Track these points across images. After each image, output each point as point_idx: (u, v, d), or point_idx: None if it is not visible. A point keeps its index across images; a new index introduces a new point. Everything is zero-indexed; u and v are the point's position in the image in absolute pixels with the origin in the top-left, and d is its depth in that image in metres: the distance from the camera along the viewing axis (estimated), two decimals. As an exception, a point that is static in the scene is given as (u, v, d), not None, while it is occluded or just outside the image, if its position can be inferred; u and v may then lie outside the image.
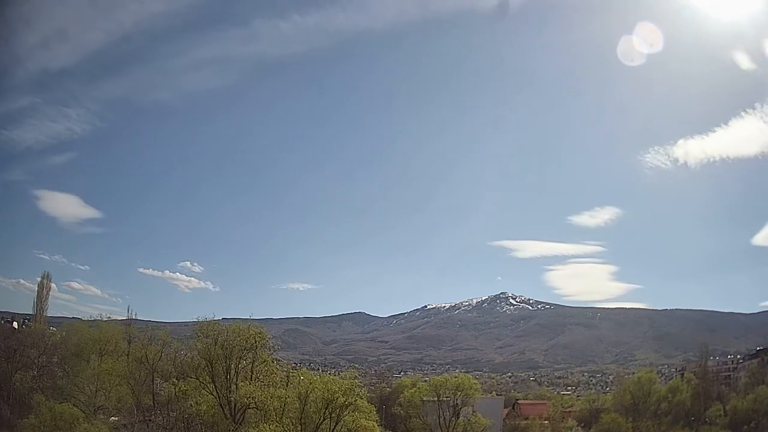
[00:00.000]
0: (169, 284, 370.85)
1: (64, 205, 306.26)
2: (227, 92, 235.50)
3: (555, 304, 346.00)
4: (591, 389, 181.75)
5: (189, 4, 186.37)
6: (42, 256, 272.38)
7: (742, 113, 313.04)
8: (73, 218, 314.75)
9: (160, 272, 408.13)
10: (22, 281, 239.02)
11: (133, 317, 70.60)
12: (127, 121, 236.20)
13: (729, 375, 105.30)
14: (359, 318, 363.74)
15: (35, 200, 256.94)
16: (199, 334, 42.76)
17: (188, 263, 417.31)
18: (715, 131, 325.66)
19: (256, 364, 42.63)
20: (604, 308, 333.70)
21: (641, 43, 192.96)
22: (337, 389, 40.04)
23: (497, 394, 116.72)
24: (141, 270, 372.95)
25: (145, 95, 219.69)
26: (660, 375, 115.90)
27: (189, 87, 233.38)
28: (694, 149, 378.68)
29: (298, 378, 47.94)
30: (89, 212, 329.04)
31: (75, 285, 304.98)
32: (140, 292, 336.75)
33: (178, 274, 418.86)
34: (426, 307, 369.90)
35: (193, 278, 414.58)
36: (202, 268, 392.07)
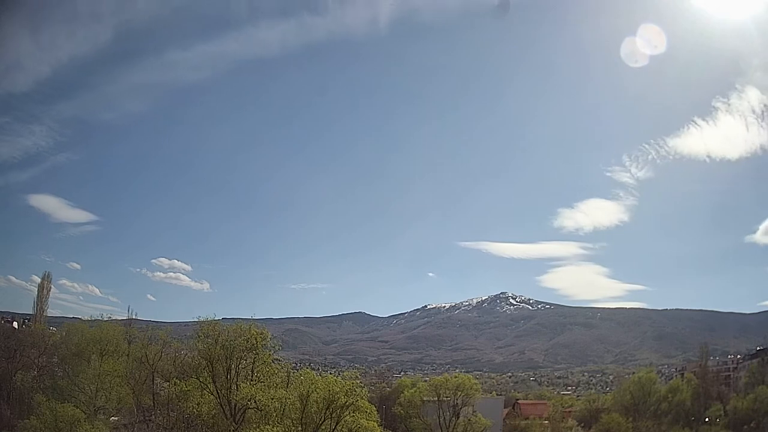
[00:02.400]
0: (162, 283, 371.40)
1: (49, 207, 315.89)
2: (157, 114, 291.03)
3: (555, 304, 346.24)
4: (591, 389, 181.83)
5: (111, 41, 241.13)
6: (31, 255, 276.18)
7: (739, 112, 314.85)
8: (60, 219, 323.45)
9: (153, 272, 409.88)
10: (12, 278, 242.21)
11: (133, 317, 70.58)
12: (84, 136, 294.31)
13: (729, 375, 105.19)
14: (359, 318, 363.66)
15: (21, 202, 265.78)
16: (199, 334, 42.67)
17: (184, 263, 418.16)
18: (711, 128, 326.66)
19: (257, 364, 42.56)
20: (604, 308, 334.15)
21: (644, 44, 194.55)
22: (338, 389, 40.05)
23: (497, 394, 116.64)
24: (134, 269, 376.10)
25: (94, 115, 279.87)
26: (660, 375, 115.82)
27: (126, 109, 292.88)
28: (689, 147, 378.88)
29: (299, 378, 47.87)
30: (76, 213, 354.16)
31: (64, 283, 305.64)
32: (135, 291, 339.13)
33: (166, 273, 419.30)
34: (426, 307, 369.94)
35: (189, 277, 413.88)
36: (199, 267, 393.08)
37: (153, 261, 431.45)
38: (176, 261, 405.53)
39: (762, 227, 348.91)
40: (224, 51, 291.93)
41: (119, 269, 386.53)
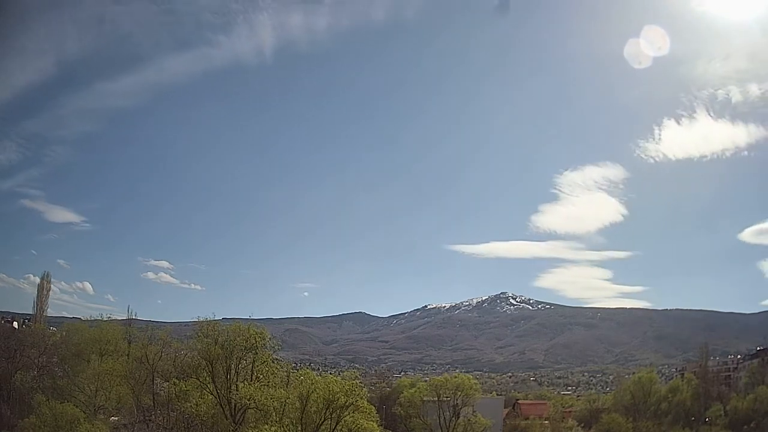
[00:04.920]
0: (160, 284, 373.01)
1: (35, 209, 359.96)
2: (103, 133, 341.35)
3: (555, 304, 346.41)
4: (591, 389, 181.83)
5: (55, 72, 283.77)
6: (17, 256, 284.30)
7: (731, 112, 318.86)
8: (48, 220, 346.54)
9: (150, 273, 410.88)
10: (4, 276, 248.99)
11: (133, 317, 70.47)
12: (47, 149, 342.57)
13: (729, 375, 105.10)
14: (359, 318, 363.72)
15: (6, 207, 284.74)
16: (199, 334, 42.63)
17: (183, 264, 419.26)
18: (708, 128, 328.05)
19: (257, 364, 42.54)
20: (604, 308, 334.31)
21: (648, 45, 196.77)
22: (338, 390, 40.00)
23: (497, 394, 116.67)
24: (131, 270, 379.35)
25: (52, 132, 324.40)
26: (660, 375, 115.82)
27: (76, 128, 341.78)
28: (687, 145, 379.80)
29: (299, 378, 47.84)
30: (64, 215, 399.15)
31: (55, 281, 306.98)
32: (134, 292, 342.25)
33: (154, 273, 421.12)
34: (426, 307, 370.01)
35: (188, 278, 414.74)
36: (199, 268, 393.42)
37: (153, 263, 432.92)
38: (174, 262, 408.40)
39: (761, 227, 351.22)
40: (143, 80, 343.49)
41: (115, 269, 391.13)
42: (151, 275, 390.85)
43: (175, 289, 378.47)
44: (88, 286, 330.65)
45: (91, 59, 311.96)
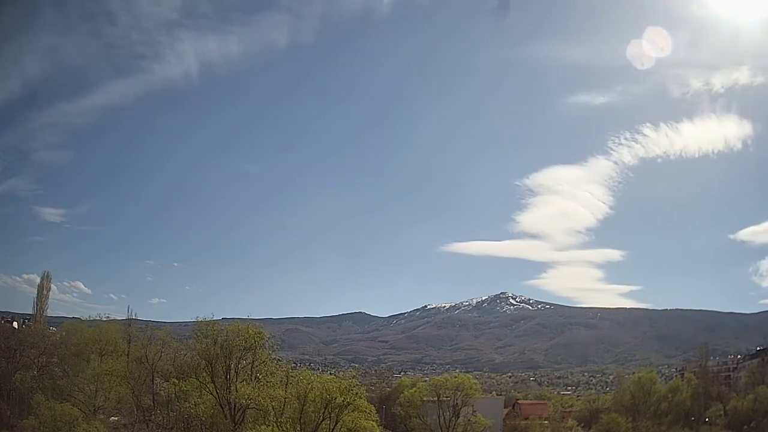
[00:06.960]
0: (162, 284, 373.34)
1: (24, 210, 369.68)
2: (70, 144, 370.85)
3: (555, 304, 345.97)
4: (591, 389, 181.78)
5: (20, 92, 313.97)
6: (9, 257, 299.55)
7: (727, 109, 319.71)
8: (42, 220, 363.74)
9: (152, 272, 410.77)
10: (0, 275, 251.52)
11: (133, 317, 70.64)
12: (25, 160, 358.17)
13: (729, 375, 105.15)
14: (359, 318, 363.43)
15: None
16: (198, 334, 42.67)
17: (182, 263, 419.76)
18: (705, 125, 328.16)
19: (256, 364, 42.57)
20: (604, 308, 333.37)
21: (650, 47, 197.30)
22: (335, 389, 40.02)
23: (497, 394, 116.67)
24: (131, 269, 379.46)
25: (25, 144, 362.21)
26: (660, 375, 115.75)
27: (46, 141, 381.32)
28: (685, 142, 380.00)
29: (297, 378, 47.83)
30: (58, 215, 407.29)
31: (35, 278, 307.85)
32: (124, 289, 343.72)
33: (165, 273, 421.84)
34: (426, 307, 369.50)
35: (186, 278, 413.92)
36: (198, 268, 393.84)
37: (148, 263, 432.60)
38: (173, 263, 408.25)
39: (760, 227, 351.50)
40: (94, 102, 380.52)
41: (109, 269, 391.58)
42: (148, 275, 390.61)
43: (174, 289, 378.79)
44: (81, 285, 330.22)
45: (48, 83, 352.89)
